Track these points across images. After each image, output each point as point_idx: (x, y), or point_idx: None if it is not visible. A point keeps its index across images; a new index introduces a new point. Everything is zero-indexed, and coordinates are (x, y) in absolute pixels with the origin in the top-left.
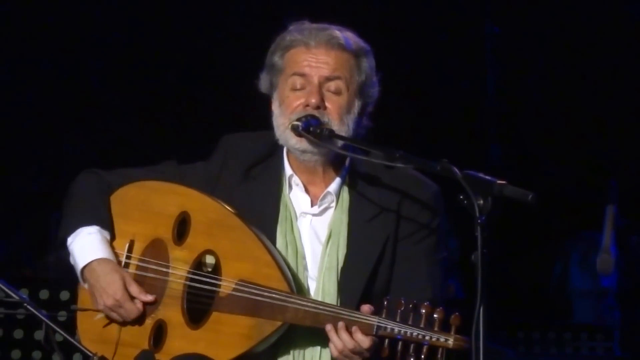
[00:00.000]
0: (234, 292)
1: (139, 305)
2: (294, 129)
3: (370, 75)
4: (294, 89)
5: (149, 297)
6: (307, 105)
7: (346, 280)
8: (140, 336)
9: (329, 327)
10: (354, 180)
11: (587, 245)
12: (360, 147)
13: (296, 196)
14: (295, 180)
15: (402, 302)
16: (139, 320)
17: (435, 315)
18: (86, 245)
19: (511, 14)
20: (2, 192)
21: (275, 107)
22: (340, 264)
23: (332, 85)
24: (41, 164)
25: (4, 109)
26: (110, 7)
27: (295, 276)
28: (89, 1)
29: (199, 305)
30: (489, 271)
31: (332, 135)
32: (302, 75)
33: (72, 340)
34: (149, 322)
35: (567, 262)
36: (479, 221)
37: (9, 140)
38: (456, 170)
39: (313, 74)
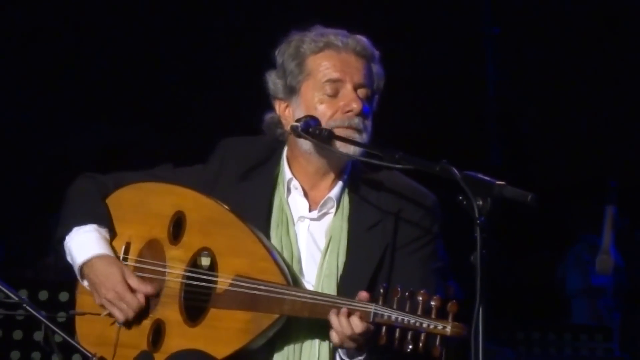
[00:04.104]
0: (230, 288)
1: (140, 298)
2: (294, 130)
3: (381, 81)
4: (328, 95)
5: (149, 289)
6: (349, 111)
7: (345, 288)
8: (138, 337)
9: (332, 312)
10: (355, 185)
11: (582, 246)
12: (361, 149)
13: (294, 200)
14: (294, 184)
15: (399, 289)
16: (138, 320)
17: (432, 303)
18: (84, 242)
19: (511, 14)
20: (2, 193)
21: (297, 112)
22: (340, 272)
23: (362, 92)
24: (42, 164)
25: (5, 109)
26: (116, 9)
27: (291, 270)
28: (97, 2)
29: (197, 302)
30: (488, 272)
31: (332, 136)
32: (337, 81)
33: (71, 341)
34: (147, 322)
35: (565, 264)
36: (478, 222)
37: (10, 140)
38: (455, 171)
39: (347, 80)
